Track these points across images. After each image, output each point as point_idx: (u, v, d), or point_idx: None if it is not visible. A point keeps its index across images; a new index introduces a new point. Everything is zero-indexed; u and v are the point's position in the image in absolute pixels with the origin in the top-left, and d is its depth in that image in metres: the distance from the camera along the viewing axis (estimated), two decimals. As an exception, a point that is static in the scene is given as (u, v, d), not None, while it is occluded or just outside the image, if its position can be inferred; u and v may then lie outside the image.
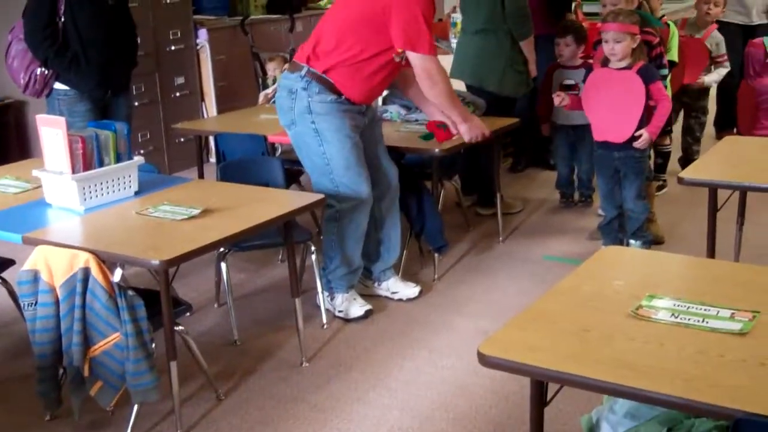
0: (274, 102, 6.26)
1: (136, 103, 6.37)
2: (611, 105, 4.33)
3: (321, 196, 3.48)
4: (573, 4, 7.04)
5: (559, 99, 4.53)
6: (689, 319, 2.21)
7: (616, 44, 4.25)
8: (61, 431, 3.18)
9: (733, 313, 2.23)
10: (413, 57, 3.77)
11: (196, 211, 3.23)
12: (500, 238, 4.99)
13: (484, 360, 2.11)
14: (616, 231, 4.63)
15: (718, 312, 2.24)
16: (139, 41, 4.94)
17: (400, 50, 3.76)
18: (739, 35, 6.47)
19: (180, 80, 6.73)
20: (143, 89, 6.44)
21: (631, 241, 4.59)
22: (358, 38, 3.75)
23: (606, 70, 4.35)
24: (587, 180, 5.50)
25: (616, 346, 2.10)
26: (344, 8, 3.85)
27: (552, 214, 5.50)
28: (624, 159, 4.41)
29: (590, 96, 4.43)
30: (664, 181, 5.74)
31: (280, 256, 4.73)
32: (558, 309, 2.33)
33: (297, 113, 3.83)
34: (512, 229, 5.18)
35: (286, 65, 6.80)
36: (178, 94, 6.72)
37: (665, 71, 4.64)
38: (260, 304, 4.26)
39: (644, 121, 4.32)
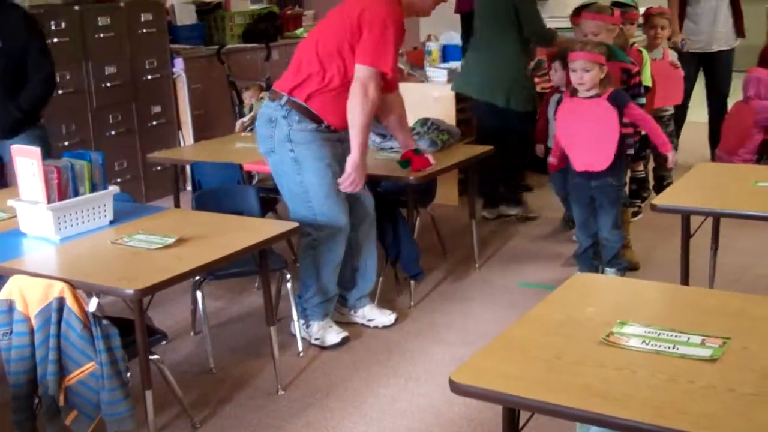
0: (250, 130, 6.33)
1: (113, 132, 6.40)
2: (587, 134, 4.36)
3: (295, 224, 3.50)
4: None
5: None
6: (660, 346, 2.24)
7: (585, 73, 4.31)
8: (36, 462, 3.15)
9: (703, 340, 2.25)
10: (362, 70, 3.70)
11: (170, 240, 3.24)
12: (476, 265, 5.02)
13: (456, 387, 2.12)
14: (590, 259, 4.67)
15: (688, 338, 2.27)
16: (43, 87, 4.69)
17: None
18: (692, 63, 6.55)
19: (157, 109, 6.74)
20: (120, 118, 6.45)
21: (607, 269, 4.63)
22: (337, 64, 3.78)
23: (576, 99, 4.40)
24: None
25: (587, 373, 2.12)
26: (321, 35, 3.87)
27: (528, 240, 5.54)
28: (601, 188, 4.44)
29: (564, 126, 4.46)
30: (639, 207, 5.80)
31: (256, 284, 4.73)
32: (529, 336, 2.35)
33: (276, 141, 3.85)
34: (488, 256, 5.21)
35: (263, 93, 6.86)
36: (154, 122, 6.73)
37: (642, 100, 4.71)
38: (236, 332, 4.26)
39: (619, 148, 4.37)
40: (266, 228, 3.50)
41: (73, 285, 2.93)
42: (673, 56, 5.94)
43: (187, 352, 4.04)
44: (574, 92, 4.42)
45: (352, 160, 3.81)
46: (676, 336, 2.29)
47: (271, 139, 3.88)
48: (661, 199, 3.71)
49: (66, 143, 6.00)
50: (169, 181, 6.65)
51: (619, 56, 4.67)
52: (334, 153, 3.90)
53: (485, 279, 4.87)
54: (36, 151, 3.34)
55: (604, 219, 4.54)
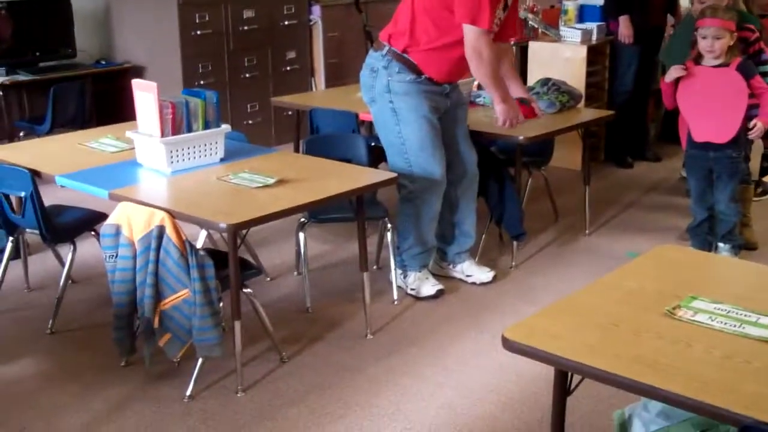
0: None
1: (247, 75, 6.61)
2: (711, 105, 4.21)
3: (393, 174, 3.57)
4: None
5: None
6: (725, 323, 2.19)
7: (716, 41, 4.15)
8: (133, 377, 3.38)
9: (773, 321, 2.20)
10: (469, 31, 3.74)
11: (271, 180, 3.37)
12: (587, 231, 4.96)
13: (507, 344, 2.14)
14: (705, 233, 4.54)
15: (758, 319, 2.21)
16: None
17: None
18: None
19: (291, 55, 6.91)
20: (255, 62, 6.65)
21: (720, 245, 4.49)
22: (434, 17, 3.80)
23: (703, 68, 4.25)
24: None
25: (641, 343, 2.10)
26: None
27: (644, 211, 5.42)
28: (719, 159, 4.30)
29: (687, 96, 4.31)
30: (757, 182, 5.55)
31: (364, 231, 4.85)
32: (594, 301, 2.34)
33: (377, 91, 3.92)
34: (601, 224, 5.14)
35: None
36: (288, 68, 6.91)
37: (766, 68, 4.49)
38: (337, 277, 4.38)
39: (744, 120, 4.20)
40: (364, 176, 3.59)
41: (173, 215, 3.10)
42: None
43: (288, 290, 4.19)
44: (698, 60, 4.28)
45: (496, 106, 3.97)
46: (746, 315, 2.23)
47: (372, 89, 3.95)
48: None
49: (201, 82, 6.25)
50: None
51: (749, 19, 4.47)
52: (435, 106, 3.92)
53: (593, 246, 4.81)
54: (153, 85, 3.52)
55: (721, 192, 4.39)
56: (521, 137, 4.20)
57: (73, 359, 3.56)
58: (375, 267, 4.41)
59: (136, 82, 3.63)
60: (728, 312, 2.26)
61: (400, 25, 3.89)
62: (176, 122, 3.57)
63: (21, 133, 5.84)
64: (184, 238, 3.11)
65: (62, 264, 4.08)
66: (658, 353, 2.05)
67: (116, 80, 6.31)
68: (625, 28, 6.00)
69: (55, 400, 3.25)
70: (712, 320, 2.22)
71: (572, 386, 2.27)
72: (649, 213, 5.39)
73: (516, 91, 4.22)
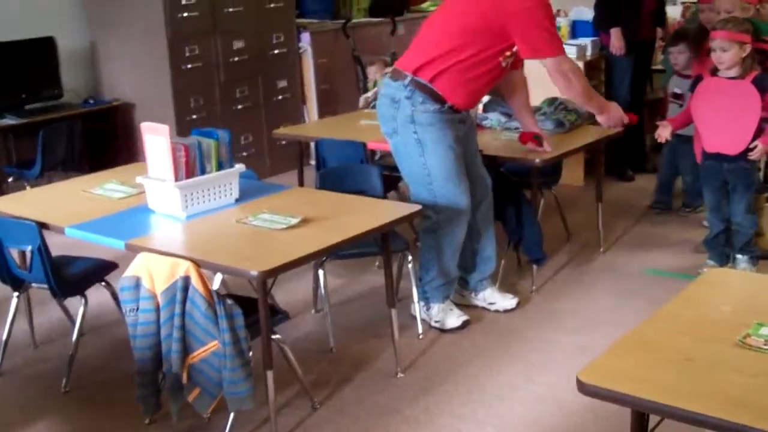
0: (373, 107, 6.31)
1: (239, 106, 6.50)
2: (724, 116, 4.16)
3: (418, 207, 3.46)
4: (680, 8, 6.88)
5: (665, 133, 4.44)
6: (802, 353, 2.11)
7: (723, 53, 4.10)
8: (160, 435, 3.24)
9: None
10: (549, 63, 3.76)
11: (294, 221, 3.25)
12: (601, 249, 4.88)
13: (584, 388, 2.05)
14: (722, 245, 4.47)
15: (833, 346, 2.13)
16: None
17: (508, 54, 3.71)
18: None
19: (282, 83, 6.81)
20: (246, 92, 6.54)
21: (738, 256, 4.43)
22: (470, 43, 3.71)
23: (717, 79, 4.19)
24: (686, 190, 5.40)
25: (720, 379, 2.01)
26: (454, 13, 3.80)
27: (655, 224, 5.35)
28: (734, 171, 4.25)
29: (701, 106, 4.26)
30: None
31: (377, 263, 4.73)
32: (659, 335, 2.25)
33: (400, 122, 3.81)
34: (614, 240, 5.06)
35: (387, 69, 6.82)
36: (280, 97, 6.80)
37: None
38: (356, 312, 4.26)
39: (757, 133, 4.15)
40: (389, 210, 3.48)
41: (198, 264, 2.97)
42: None
43: (307, 330, 4.06)
44: (714, 71, 4.22)
45: (598, 117, 4.12)
46: (820, 343, 2.15)
47: (393, 120, 3.84)
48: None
49: (194, 117, 6.14)
50: (293, 156, 6.71)
51: (765, 31, 4.41)
52: (456, 135, 3.84)
53: (610, 264, 4.73)
54: (165, 128, 3.40)
55: (737, 203, 4.33)
56: (537, 160, 4.12)
57: (93, 420, 3.40)
58: (394, 300, 4.30)
59: (145, 126, 3.49)
60: (801, 340, 2.17)
61: (429, 53, 3.77)
62: (189, 165, 3.44)
63: (10, 179, 5.67)
64: (211, 288, 2.98)
65: (69, 317, 3.94)
66: (741, 389, 1.96)
67: (106, 119, 6.17)
68: (616, 40, 5.97)
69: (81, 464, 3.10)
70: (787, 349, 2.13)
71: (650, 427, 2.17)
72: (658, 226, 5.32)
73: (530, 125, 4.17)
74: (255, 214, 3.38)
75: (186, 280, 2.97)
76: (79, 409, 3.49)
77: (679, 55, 5.21)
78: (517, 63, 3.99)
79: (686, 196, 5.45)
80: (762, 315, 2.30)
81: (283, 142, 6.66)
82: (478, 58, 3.73)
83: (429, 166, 3.79)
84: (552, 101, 4.77)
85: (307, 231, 3.18)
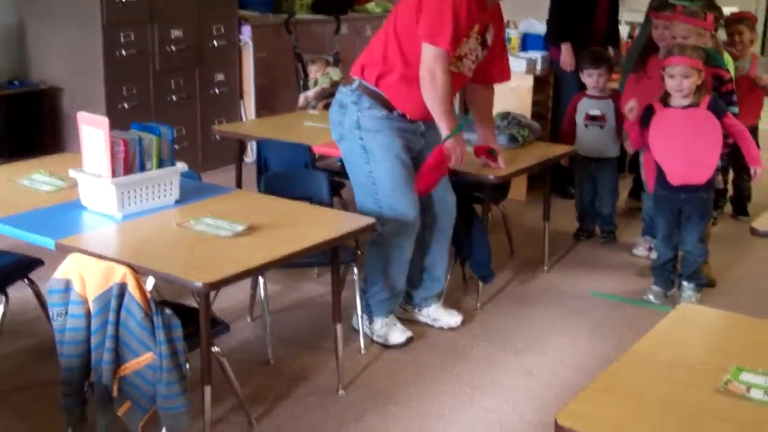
0: (313, 106, 6.13)
1: (173, 98, 6.23)
2: (687, 147, 4.07)
3: (371, 220, 3.28)
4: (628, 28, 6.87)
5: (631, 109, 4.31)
6: (785, 400, 2.01)
7: (684, 80, 4.03)
8: (83, 450, 2.99)
9: (834, 395, 2.03)
10: (426, 50, 3.50)
11: (240, 228, 3.05)
12: (545, 268, 4.78)
13: (562, 433, 1.90)
14: (669, 272, 4.42)
15: (813, 393, 2.04)
16: None
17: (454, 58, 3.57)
18: None
19: (220, 77, 6.56)
20: (182, 84, 6.28)
21: (684, 283, 4.38)
22: (408, 47, 3.56)
23: (673, 110, 4.11)
24: (608, 215, 5.29)
25: (708, 428, 1.90)
26: (395, 16, 3.66)
27: (594, 245, 5.29)
28: (691, 200, 4.18)
29: (659, 139, 4.14)
30: (715, 218, 5.52)
31: (316, 271, 4.55)
32: (636, 378, 2.13)
33: (346, 128, 3.65)
34: (557, 259, 4.97)
35: (329, 68, 6.66)
36: (217, 90, 6.56)
37: (736, 109, 4.39)
38: (295, 323, 4.07)
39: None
40: (340, 222, 3.30)
41: (135, 270, 2.74)
42: (764, 70, 5.58)
43: (242, 338, 3.85)
44: (665, 101, 4.14)
45: (445, 143, 3.62)
46: (801, 389, 2.06)
47: (341, 126, 3.67)
48: (761, 223, 3.42)
49: (125, 105, 5.87)
50: (226, 153, 6.50)
51: (717, 61, 4.36)
52: (407, 144, 3.67)
53: (554, 284, 4.64)
54: (104, 121, 3.16)
55: (690, 233, 4.28)
56: (491, 176, 3.99)
57: (9, 428, 3.14)
58: (333, 311, 4.13)
59: (82, 116, 3.24)
60: (782, 386, 2.08)
61: (373, 55, 3.63)
62: (128, 161, 3.21)
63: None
64: (148, 296, 2.75)
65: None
66: (730, 441, 1.85)
67: (31, 103, 5.83)
68: (567, 56, 5.91)
69: (-5, 480, 2.84)
70: (769, 396, 2.04)
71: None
72: (599, 247, 5.26)
73: (488, 139, 4.02)
74: (197, 218, 3.16)
75: (122, 286, 2.74)
76: (-6, 416, 3.22)
77: (600, 78, 5.16)
78: (487, 76, 3.88)
79: (603, 222, 5.36)
80: (739, 358, 2.20)
81: (217, 138, 6.43)
82: (413, 62, 3.57)
83: (375, 175, 3.63)
84: (505, 116, 4.66)
85: (254, 240, 2.98)
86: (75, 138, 5.87)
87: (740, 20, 5.63)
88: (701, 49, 4.17)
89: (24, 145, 5.63)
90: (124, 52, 5.79)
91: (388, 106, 3.61)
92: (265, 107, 6.79)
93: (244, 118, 6.76)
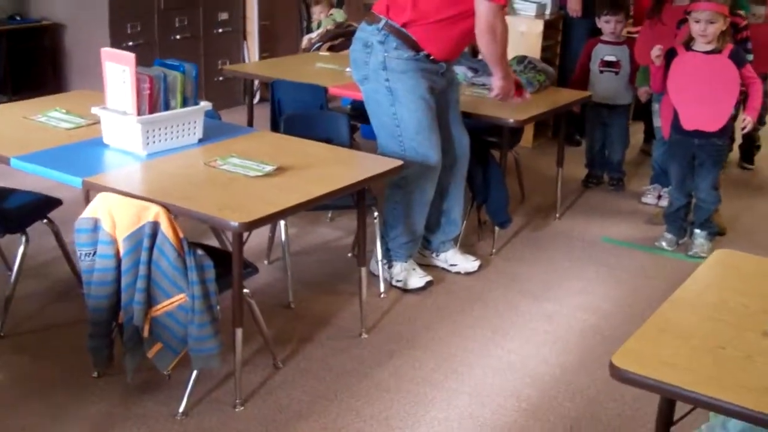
0: (317, 48, 6.06)
1: (177, 36, 6.13)
2: (704, 92, 4.07)
3: (398, 162, 3.25)
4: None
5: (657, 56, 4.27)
6: (831, 344, 2.03)
7: (710, 25, 4.00)
8: (111, 392, 2.97)
9: None
10: (483, 7, 3.46)
11: (269, 168, 3.02)
12: (557, 215, 4.78)
13: (618, 373, 1.91)
14: (682, 219, 4.43)
15: None
16: None
17: None
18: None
19: (224, 16, 6.46)
20: (186, 22, 6.18)
21: (697, 231, 4.39)
22: None
23: (694, 54, 4.08)
24: (618, 163, 5.29)
25: (758, 370, 1.91)
26: None
27: (604, 192, 5.29)
28: (705, 147, 4.18)
29: (677, 82, 4.13)
30: (723, 167, 5.51)
31: (329, 214, 4.53)
32: (686, 320, 2.13)
33: (371, 69, 3.59)
34: (567, 206, 4.97)
35: (332, 10, 6.57)
36: (220, 30, 6.46)
37: (750, 56, 4.38)
38: (312, 266, 4.06)
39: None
40: (366, 163, 3.27)
41: (168, 209, 2.71)
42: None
43: (261, 282, 3.82)
44: (688, 45, 4.12)
45: (496, 78, 3.77)
46: (844, 334, 2.08)
47: (366, 66, 3.61)
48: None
49: (130, 43, 5.77)
50: (231, 93, 6.44)
51: (743, 7, 4.34)
52: (431, 86, 3.64)
53: (566, 230, 4.64)
54: (130, 57, 3.10)
55: (704, 178, 4.28)
56: (511, 120, 3.96)
57: (33, 370, 3.11)
58: (350, 254, 4.12)
59: (106, 52, 3.18)
60: (826, 330, 2.10)
61: None
62: (153, 98, 3.15)
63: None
64: (181, 236, 2.73)
65: (2, 256, 3.63)
66: (784, 384, 1.86)
67: (33, 39, 5.72)
68: (573, 2, 5.86)
69: (19, 423, 2.81)
70: (816, 341, 2.05)
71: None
72: (607, 194, 5.26)
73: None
74: (224, 158, 3.13)
75: (155, 225, 2.71)
76: (16, 358, 3.19)
77: (618, 24, 5.12)
78: None
79: (611, 170, 5.36)
80: (780, 302, 2.22)
81: (220, 78, 6.36)
82: (449, 5, 3.52)
83: (399, 116, 3.59)
84: (521, 60, 4.62)
85: (284, 180, 2.95)
86: (78, 75, 5.83)
87: None
88: None
89: (26, 83, 5.53)
90: (128, -10, 5.69)
91: (415, 47, 3.56)
92: (267, 48, 6.70)
93: (246, 59, 6.67)
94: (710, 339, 2.04)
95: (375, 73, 3.61)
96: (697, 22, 4.01)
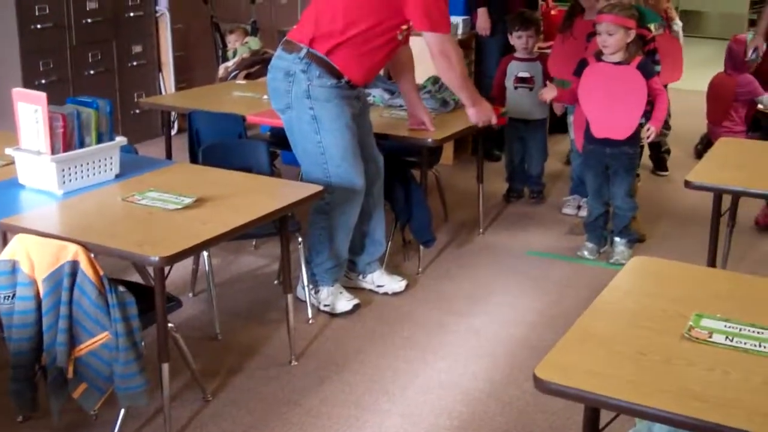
0: (234, 76, 6.04)
1: (91, 71, 6.06)
2: (612, 101, 4.20)
3: (318, 187, 3.26)
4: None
5: (550, 95, 4.44)
6: (746, 343, 2.10)
7: (608, 36, 4.13)
8: (37, 435, 2.92)
9: (787, 337, 2.13)
10: (432, 38, 3.60)
11: (188, 200, 3.00)
12: (480, 230, 4.84)
13: (542, 385, 1.94)
14: (601, 228, 4.53)
15: (771, 335, 2.14)
16: None
17: (404, 28, 3.58)
18: None
19: (138, 49, 6.39)
20: (99, 57, 6.10)
21: (617, 239, 4.49)
22: (368, 15, 3.55)
23: (603, 64, 4.21)
24: (537, 176, 5.39)
25: (677, 373, 1.96)
26: None
27: (526, 205, 5.37)
28: (616, 155, 4.30)
29: (587, 91, 4.27)
30: (638, 175, 5.66)
31: (254, 243, 4.51)
32: (605, 328, 2.18)
33: (294, 97, 3.60)
34: (490, 220, 5.04)
35: (247, 38, 6.56)
36: (135, 63, 6.39)
37: (658, 68, 4.52)
38: (238, 295, 4.03)
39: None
40: (287, 191, 3.27)
41: (87, 248, 2.68)
42: (677, 27, 5.76)
43: (187, 315, 3.78)
44: (599, 57, 4.24)
45: (469, 109, 4.00)
46: (758, 332, 2.15)
47: (288, 95, 3.62)
48: (694, 176, 3.52)
49: (43, 81, 5.67)
50: (147, 125, 6.39)
51: (650, 17, 4.47)
52: (353, 112, 3.67)
53: (490, 245, 4.70)
54: (41, 96, 3.05)
55: (618, 186, 4.39)
56: (430, 140, 4.02)
57: (-45, 417, 3.04)
58: (276, 282, 4.10)
59: (17, 93, 3.13)
60: (740, 330, 2.17)
61: (325, 25, 3.57)
62: (67, 137, 3.11)
63: None
64: (101, 273, 2.69)
65: None
66: (700, 384, 1.91)
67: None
68: (482, 21, 5.97)
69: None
70: (731, 340, 2.12)
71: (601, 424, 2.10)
72: (529, 207, 5.35)
73: (417, 107, 4.10)
74: (142, 192, 3.10)
75: (74, 264, 2.67)
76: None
77: (529, 39, 5.22)
78: (407, 38, 3.87)
79: (531, 183, 5.44)
80: (697, 305, 2.28)
81: (137, 111, 6.30)
82: (375, 32, 3.58)
83: (324, 144, 3.61)
84: (436, 80, 4.65)
85: (205, 212, 2.94)
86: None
87: None
88: (635, 8, 4.26)
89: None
90: (39, 26, 5.60)
91: (337, 74, 3.59)
92: (184, 79, 6.66)
93: (163, 91, 6.62)
94: (630, 345, 2.09)
95: (298, 102, 3.62)
96: (599, 33, 4.14)
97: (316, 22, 3.59)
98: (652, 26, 4.94)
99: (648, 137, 4.27)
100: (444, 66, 3.70)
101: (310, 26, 3.60)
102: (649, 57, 4.41)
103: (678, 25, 5.91)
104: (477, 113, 3.99)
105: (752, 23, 10.02)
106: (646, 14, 4.40)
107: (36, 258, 2.72)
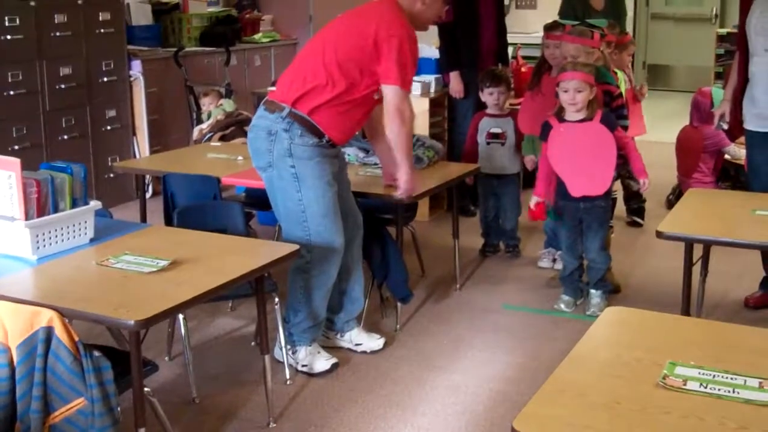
0: (208, 139, 6.08)
1: (65, 137, 6.08)
2: (584, 159, 4.24)
3: (295, 247, 3.27)
4: (512, 48, 7.06)
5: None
6: (719, 390, 2.12)
7: (578, 94, 4.20)
8: (11, 505, 2.86)
9: (761, 383, 2.15)
10: (392, 93, 3.61)
11: (164, 263, 3.00)
12: (457, 286, 4.86)
13: (520, 440, 1.95)
14: (577, 281, 4.56)
15: (745, 381, 2.16)
16: None
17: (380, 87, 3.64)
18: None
19: (111, 113, 6.43)
20: (73, 122, 6.13)
21: (592, 291, 4.52)
22: (348, 75, 3.60)
23: (568, 124, 4.27)
24: (512, 230, 5.42)
25: (652, 421, 1.98)
26: (329, 45, 3.67)
27: (502, 260, 5.40)
28: (590, 209, 4.35)
29: (558, 153, 4.31)
30: (611, 226, 5.71)
31: (230, 304, 4.49)
32: (581, 379, 2.20)
33: (276, 156, 3.63)
34: (467, 276, 5.06)
35: (222, 100, 6.62)
36: (109, 127, 6.42)
37: (626, 122, 4.61)
38: (215, 358, 4.00)
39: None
40: (263, 251, 3.28)
41: (62, 313, 2.66)
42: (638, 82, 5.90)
43: (163, 379, 3.76)
44: (560, 116, 4.30)
45: (403, 174, 3.85)
46: (731, 378, 2.19)
47: (269, 154, 3.65)
48: (665, 227, 3.57)
49: (16, 147, 5.68)
50: (121, 190, 6.39)
51: (606, 77, 4.56)
52: (333, 170, 3.71)
53: (467, 300, 4.71)
54: (15, 162, 3.06)
55: (591, 240, 4.43)
56: (404, 197, 4.03)
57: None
58: (253, 343, 4.08)
59: (-10, 159, 3.14)
60: (714, 377, 2.20)
61: (306, 85, 3.62)
62: (41, 202, 3.12)
63: None
64: (76, 339, 2.67)
65: None
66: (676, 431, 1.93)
67: None
68: (455, 84, 6.04)
69: None
70: (705, 387, 2.14)
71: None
72: (505, 261, 5.37)
73: (388, 164, 4.08)
74: (116, 256, 3.10)
75: (48, 330, 2.65)
76: None
77: (501, 95, 5.29)
78: (381, 98, 3.92)
79: (506, 237, 5.47)
80: (671, 353, 2.31)
81: (111, 175, 6.31)
82: (354, 91, 3.64)
83: (305, 201, 3.63)
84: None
85: (180, 274, 2.94)
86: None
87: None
88: (592, 66, 4.35)
89: None
90: (11, 92, 5.63)
91: (319, 133, 3.63)
92: (159, 142, 6.70)
93: (137, 155, 6.64)
94: (605, 395, 2.11)
95: (280, 160, 3.64)
96: (566, 91, 4.20)
97: (298, 82, 3.64)
98: (622, 82, 5.07)
99: (643, 189, 4.42)
100: (397, 123, 3.67)
101: (292, 87, 3.65)
102: (615, 111, 4.49)
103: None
104: (406, 182, 3.88)
105: (718, 75, 10.24)
106: (602, 72, 4.49)
107: (9, 325, 2.70)
